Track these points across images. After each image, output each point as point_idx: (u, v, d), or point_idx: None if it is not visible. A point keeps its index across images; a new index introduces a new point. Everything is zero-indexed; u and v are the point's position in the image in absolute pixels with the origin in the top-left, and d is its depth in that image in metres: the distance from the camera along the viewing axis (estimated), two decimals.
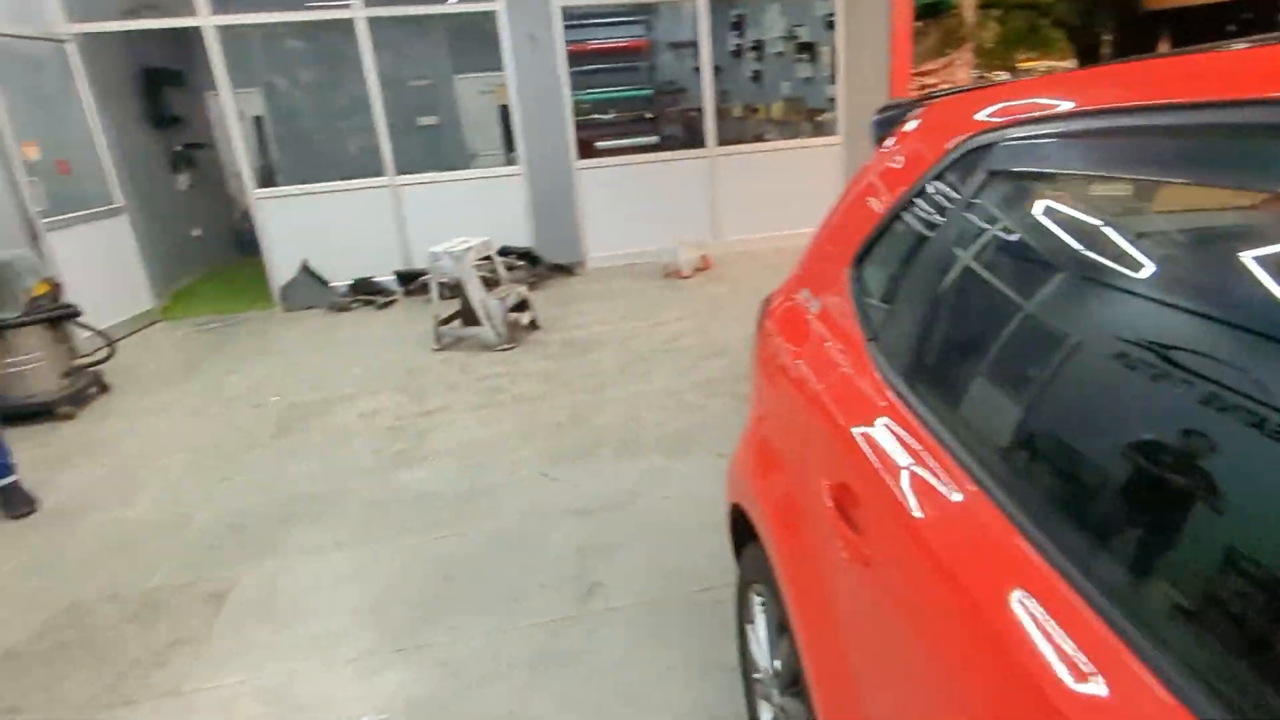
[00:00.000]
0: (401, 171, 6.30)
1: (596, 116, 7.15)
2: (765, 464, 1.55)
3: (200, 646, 2.18)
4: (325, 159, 8.16)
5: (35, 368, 4.06)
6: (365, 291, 6.17)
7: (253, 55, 8.01)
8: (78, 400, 4.22)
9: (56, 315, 4.13)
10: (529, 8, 6.15)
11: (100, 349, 4.47)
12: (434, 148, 8.58)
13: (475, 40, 8.06)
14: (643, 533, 2.58)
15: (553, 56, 6.27)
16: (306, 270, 6.24)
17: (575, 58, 6.48)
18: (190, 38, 8.33)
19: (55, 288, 4.22)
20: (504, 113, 7.21)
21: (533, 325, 5.02)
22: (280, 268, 6.23)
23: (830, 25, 6.90)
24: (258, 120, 8.45)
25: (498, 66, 6.36)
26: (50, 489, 3.27)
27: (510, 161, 6.93)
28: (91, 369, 4.43)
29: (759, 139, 7.32)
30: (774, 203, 6.93)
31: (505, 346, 4.67)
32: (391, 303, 6.10)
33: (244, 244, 8.69)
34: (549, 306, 5.51)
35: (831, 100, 7.07)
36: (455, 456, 3.28)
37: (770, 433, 1.58)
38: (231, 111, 5.95)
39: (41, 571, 2.66)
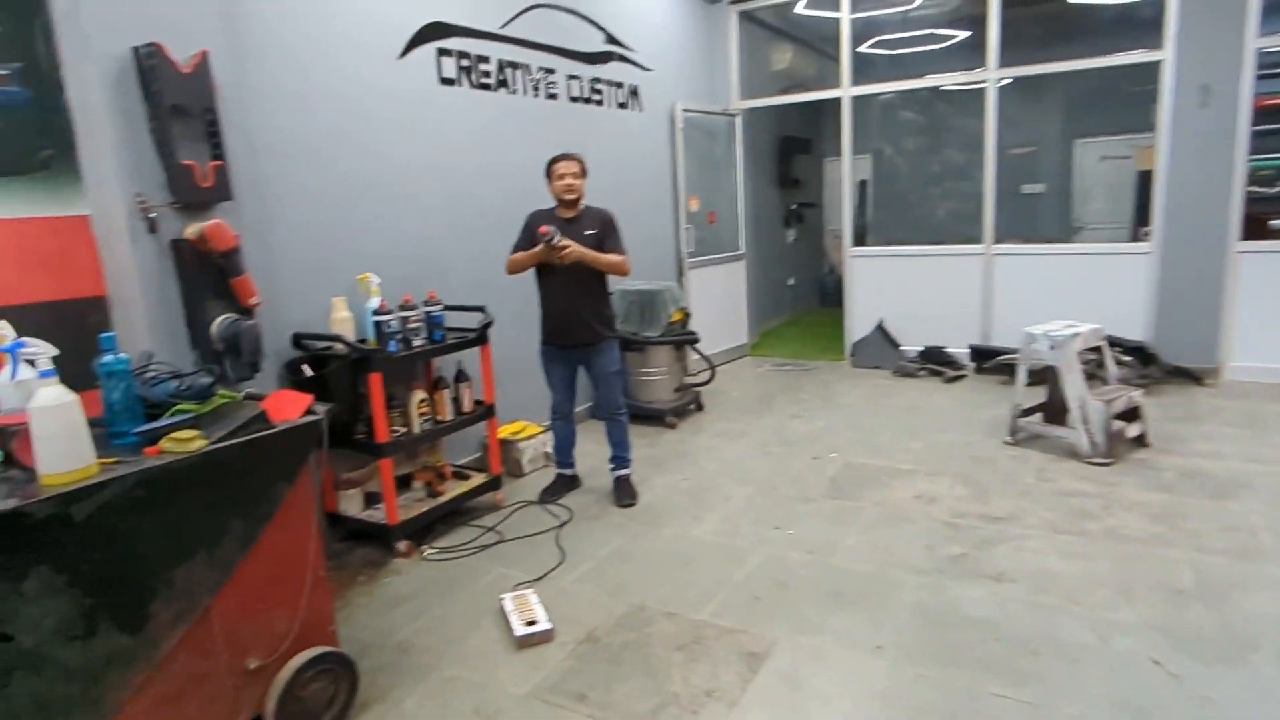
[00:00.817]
0: (995, 240, 5.84)
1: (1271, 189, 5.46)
2: None
3: (731, 706, 2.19)
4: (917, 222, 8.20)
5: (659, 380, 4.92)
6: (934, 360, 5.90)
7: (869, 123, 8.52)
8: (680, 413, 4.99)
9: (685, 340, 4.94)
10: (1209, 54, 5.00)
11: (703, 371, 5.21)
12: (1031, 217, 7.83)
13: (1108, 99, 7.04)
14: None
15: (1229, 112, 4.99)
16: (881, 330, 6.28)
17: (1261, 114, 5.04)
18: (821, 110, 9.38)
19: (686, 316, 5.06)
20: (1142, 180, 6.09)
21: (1140, 441, 4.02)
22: (857, 323, 6.41)
23: None
24: (861, 184, 8.96)
25: (1135, 128, 5.37)
26: (647, 487, 3.86)
27: (1137, 237, 5.80)
28: (695, 388, 5.19)
29: None
30: None
31: (1100, 460, 3.83)
32: (960, 378, 5.69)
33: (825, 295, 9.34)
34: (1164, 421, 4.38)
35: None
36: (1022, 585, 2.74)
37: None
38: (849, 175, 6.33)
39: (628, 563, 3.11)
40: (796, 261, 8.81)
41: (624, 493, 3.70)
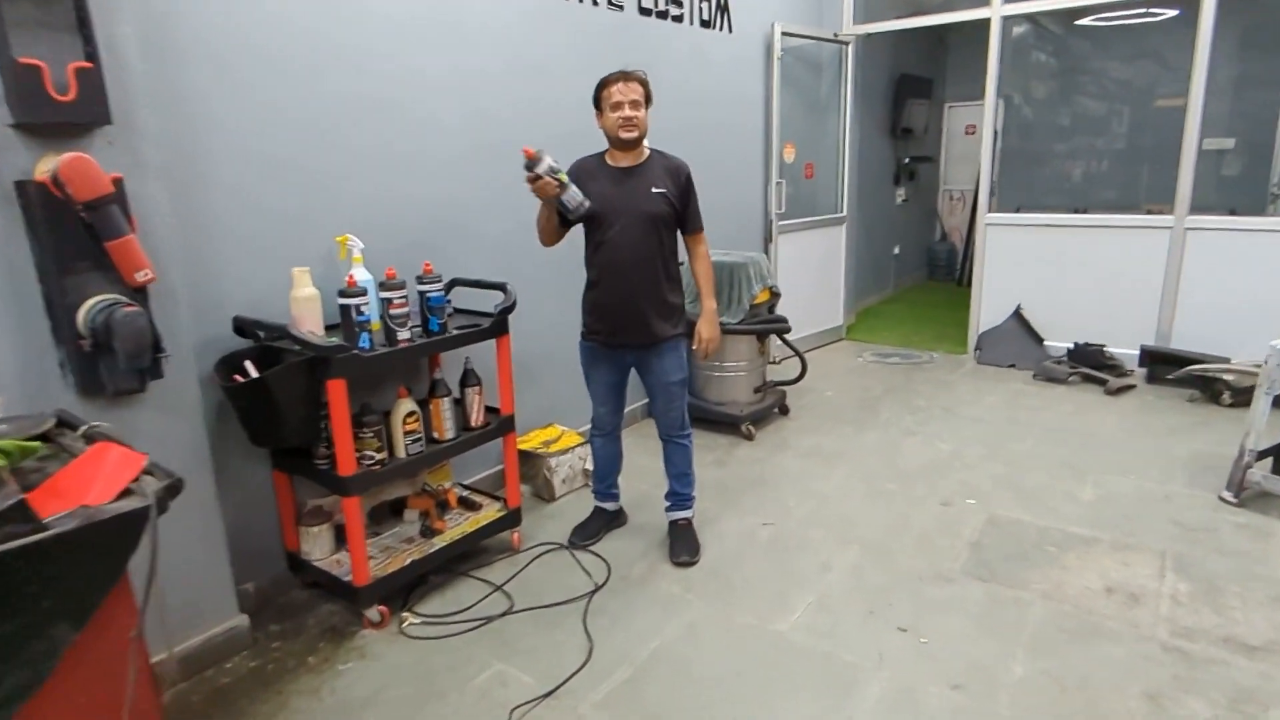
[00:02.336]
0: (1165, 209, 4.46)
1: None
2: None
3: None
4: (1056, 183, 6.77)
5: (736, 377, 3.89)
6: (1090, 363, 4.64)
7: (1002, 61, 7.09)
8: (760, 419, 3.95)
9: (773, 329, 3.88)
10: None
11: (785, 357, 4.14)
12: (1212, 181, 6.29)
13: None
14: None
15: None
16: (1019, 319, 5.03)
17: None
18: (945, 44, 7.92)
19: (774, 297, 3.99)
20: None
21: None
22: (987, 308, 5.17)
23: None
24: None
25: None
26: (714, 532, 2.88)
27: None
28: (780, 387, 4.14)
29: None
30: None
31: None
32: (1128, 388, 4.42)
33: (935, 267, 8.03)
34: None
35: None
36: None
37: None
38: (990, 122, 5.03)
39: (679, 676, 2.16)
40: (905, 227, 7.49)
41: (683, 545, 2.74)
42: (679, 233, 2.59)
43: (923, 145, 7.57)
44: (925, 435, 3.84)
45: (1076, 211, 5.26)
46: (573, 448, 3.26)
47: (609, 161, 2.50)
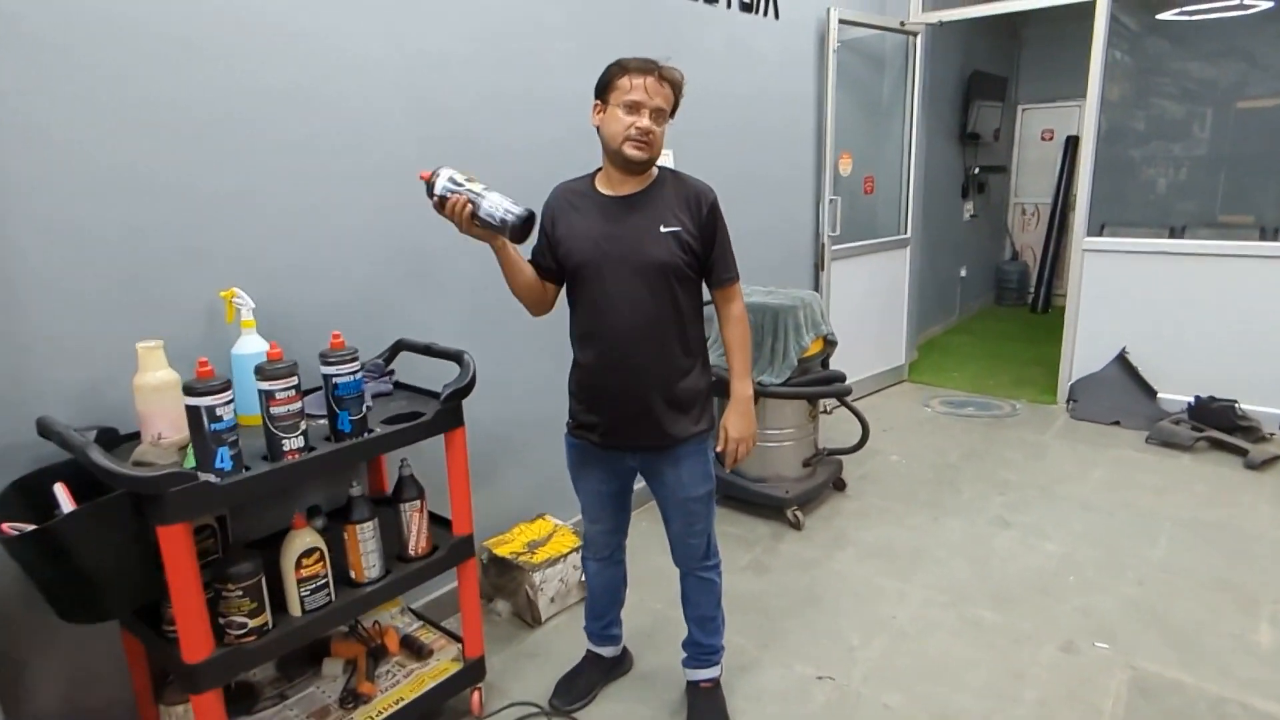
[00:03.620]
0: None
1: None
2: None
3: None
4: (1175, 201, 5.81)
5: (780, 448, 3.10)
6: (1218, 424, 3.74)
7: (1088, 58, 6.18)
8: (809, 499, 3.15)
9: (829, 392, 3.06)
10: None
11: (835, 406, 3.32)
12: None
13: None
14: None
15: None
16: (1123, 364, 4.14)
17: None
18: (1021, 37, 7.01)
19: (828, 346, 3.18)
20: None
21: None
22: (1082, 350, 4.29)
23: None
24: (1070, 142, 6.63)
25: None
26: (746, 692, 2.10)
27: None
28: (835, 456, 3.33)
29: None
30: None
31: None
32: (1274, 459, 3.51)
33: (1004, 290, 7.13)
34: None
35: None
36: None
37: None
38: (1093, 124, 4.15)
39: None
40: (972, 245, 6.60)
41: (706, 711, 1.96)
42: (703, 285, 1.82)
43: (993, 153, 6.67)
44: (1022, 529, 3.00)
45: (1176, 235, 4.35)
46: (566, 554, 2.49)
47: (600, 187, 1.75)
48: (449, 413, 1.82)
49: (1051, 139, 6.92)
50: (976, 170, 6.32)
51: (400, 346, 2.09)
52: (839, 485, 3.35)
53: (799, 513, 3.04)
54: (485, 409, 2.34)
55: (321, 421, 1.69)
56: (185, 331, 1.74)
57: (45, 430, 1.51)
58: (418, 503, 1.86)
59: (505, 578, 2.46)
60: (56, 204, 1.57)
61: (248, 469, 1.49)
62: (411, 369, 2.07)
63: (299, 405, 1.55)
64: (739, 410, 1.83)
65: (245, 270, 1.84)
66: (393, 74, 2.13)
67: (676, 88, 1.67)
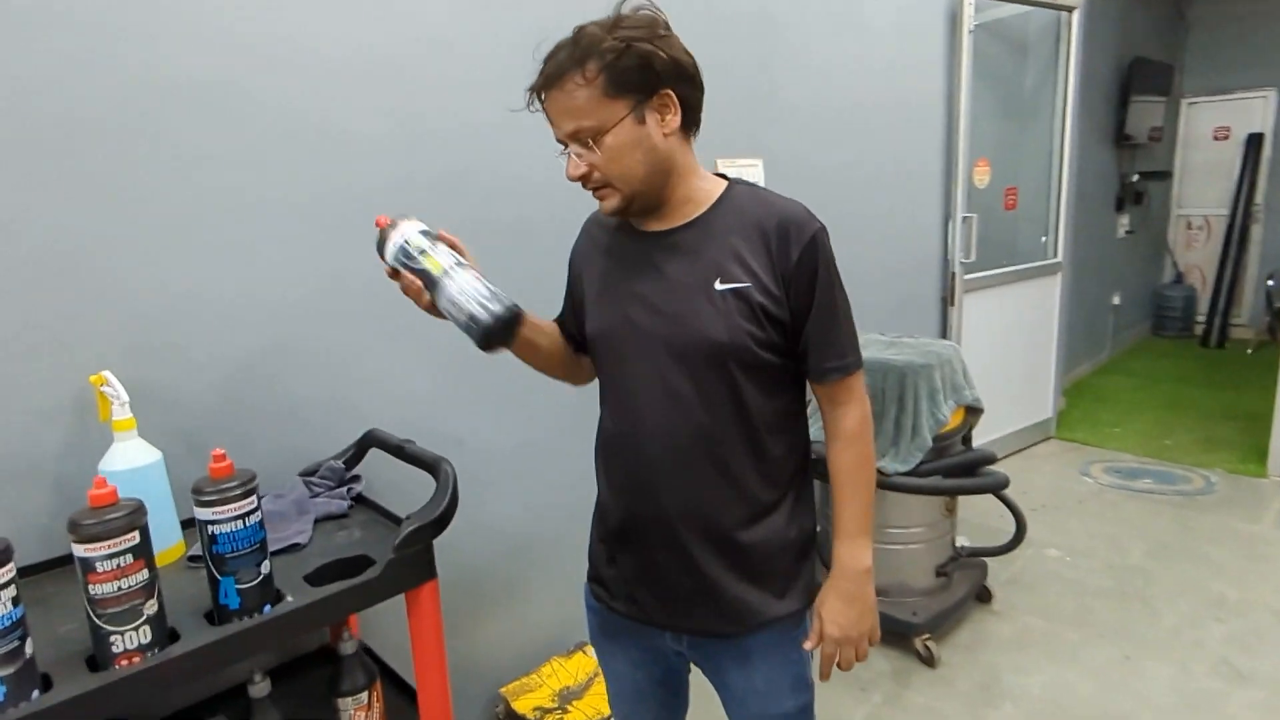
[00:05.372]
0: None
1: None
2: None
3: None
4: None
5: (906, 550, 2.32)
6: None
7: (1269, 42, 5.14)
8: (943, 620, 2.35)
9: (981, 486, 2.26)
10: None
11: (976, 500, 2.51)
12: None
13: None
14: None
15: None
16: None
17: None
18: (1186, 19, 5.91)
19: (972, 416, 2.39)
20: None
21: None
22: None
23: None
24: (1251, 141, 5.50)
25: None
26: None
27: None
28: (978, 556, 2.52)
29: None
30: None
31: None
32: None
33: (1163, 319, 6.01)
34: None
35: None
36: None
37: None
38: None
39: None
40: (1127, 266, 5.53)
41: None
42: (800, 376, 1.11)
43: (1153, 156, 5.59)
44: (1263, 682, 2.10)
45: None
46: (610, 715, 1.82)
47: (634, 221, 1.07)
48: (409, 563, 1.19)
49: (1227, 138, 5.76)
50: (1135, 177, 5.26)
51: (370, 442, 1.49)
52: (983, 596, 2.53)
53: (931, 643, 2.25)
54: (503, 500, 1.73)
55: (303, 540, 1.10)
56: (35, 433, 1.19)
57: None
58: (367, 693, 1.23)
59: None
60: None
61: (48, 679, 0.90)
62: (390, 467, 1.46)
63: (142, 578, 0.96)
64: (844, 591, 1.09)
65: (123, 348, 1.28)
66: (358, 69, 1.54)
67: (591, 57, 0.91)
